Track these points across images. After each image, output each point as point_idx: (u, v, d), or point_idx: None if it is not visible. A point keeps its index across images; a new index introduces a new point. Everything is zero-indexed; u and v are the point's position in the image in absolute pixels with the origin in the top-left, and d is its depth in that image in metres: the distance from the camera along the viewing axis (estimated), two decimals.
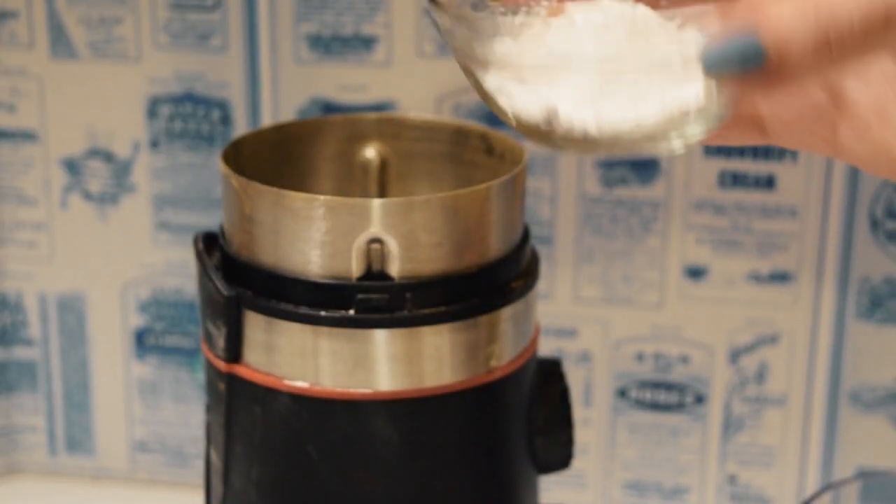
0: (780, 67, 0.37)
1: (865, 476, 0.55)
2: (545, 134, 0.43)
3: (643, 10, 0.45)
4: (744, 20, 0.38)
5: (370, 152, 0.60)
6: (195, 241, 0.54)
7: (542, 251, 0.71)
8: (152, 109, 0.73)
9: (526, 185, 0.53)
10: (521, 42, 0.43)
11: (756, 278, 0.71)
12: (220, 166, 0.52)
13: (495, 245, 0.51)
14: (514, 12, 0.48)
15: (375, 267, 0.49)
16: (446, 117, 0.69)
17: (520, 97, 0.43)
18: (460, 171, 0.59)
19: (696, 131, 0.43)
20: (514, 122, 0.45)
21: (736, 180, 0.70)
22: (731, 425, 0.74)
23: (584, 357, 0.74)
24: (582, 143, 0.43)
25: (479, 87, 0.45)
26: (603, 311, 0.73)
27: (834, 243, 0.70)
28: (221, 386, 0.52)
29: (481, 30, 0.43)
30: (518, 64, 0.42)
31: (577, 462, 0.75)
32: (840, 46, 0.37)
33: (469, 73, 0.44)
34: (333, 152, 0.60)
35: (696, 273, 0.72)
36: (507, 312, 0.51)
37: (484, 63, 0.43)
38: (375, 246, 0.49)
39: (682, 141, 0.43)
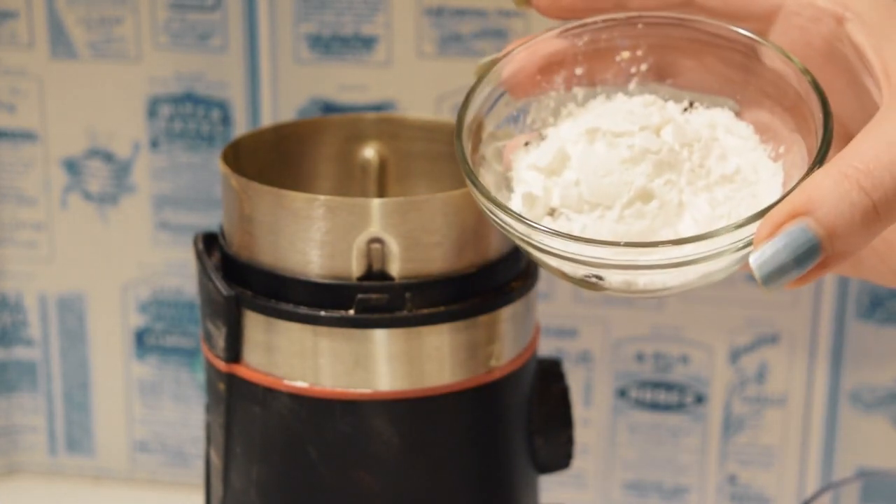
0: (835, 250, 0.35)
1: (865, 476, 0.55)
2: (592, 286, 0.42)
3: (667, 131, 0.43)
4: (788, 212, 0.35)
5: (370, 152, 0.60)
6: (195, 241, 0.54)
7: None
8: (152, 109, 0.73)
9: None
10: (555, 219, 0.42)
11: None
12: (219, 166, 0.52)
13: (495, 245, 0.51)
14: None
15: (376, 267, 0.49)
16: (446, 117, 0.69)
17: (566, 265, 0.42)
18: (460, 171, 0.59)
19: (734, 268, 0.42)
20: (561, 278, 0.44)
21: None
22: (731, 425, 0.74)
23: (584, 357, 0.74)
24: (628, 294, 0.42)
25: (526, 251, 0.44)
26: (603, 311, 0.73)
27: None
28: (221, 386, 0.52)
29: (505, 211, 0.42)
30: (555, 250, 0.40)
31: (577, 462, 0.75)
32: (887, 208, 0.35)
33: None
34: (333, 152, 0.60)
35: None
36: (506, 312, 0.51)
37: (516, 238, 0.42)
38: (376, 246, 0.49)
39: (721, 277, 0.42)
